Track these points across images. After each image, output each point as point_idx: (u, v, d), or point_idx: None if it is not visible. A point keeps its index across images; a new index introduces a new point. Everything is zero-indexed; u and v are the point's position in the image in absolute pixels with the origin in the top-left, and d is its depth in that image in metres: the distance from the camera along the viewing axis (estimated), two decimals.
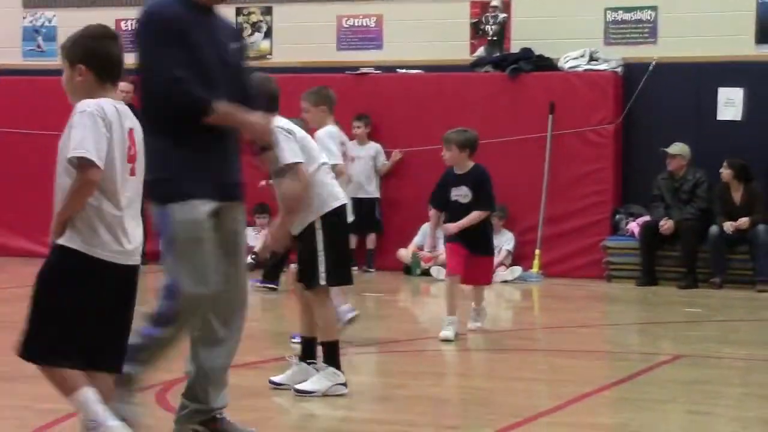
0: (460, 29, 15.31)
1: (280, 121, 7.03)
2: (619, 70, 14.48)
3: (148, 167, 5.13)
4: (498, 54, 15.04)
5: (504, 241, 14.28)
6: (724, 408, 7.28)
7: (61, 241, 4.93)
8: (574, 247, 14.30)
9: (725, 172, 13.57)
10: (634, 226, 14.00)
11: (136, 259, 5.05)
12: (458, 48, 15.24)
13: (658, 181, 13.91)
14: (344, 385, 7.09)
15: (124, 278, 5.01)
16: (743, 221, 13.32)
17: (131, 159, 5.00)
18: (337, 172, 8.40)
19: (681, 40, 14.43)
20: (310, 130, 8.56)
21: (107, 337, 5.02)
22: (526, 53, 14.74)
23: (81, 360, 4.97)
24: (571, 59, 14.55)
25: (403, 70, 15.15)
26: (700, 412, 7.07)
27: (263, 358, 8.36)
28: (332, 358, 7.10)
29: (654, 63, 14.39)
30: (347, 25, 15.75)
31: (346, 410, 6.91)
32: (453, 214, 9.64)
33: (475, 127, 14.75)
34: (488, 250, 9.87)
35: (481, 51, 15.22)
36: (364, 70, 15.06)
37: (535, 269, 14.24)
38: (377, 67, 15.20)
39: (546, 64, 14.65)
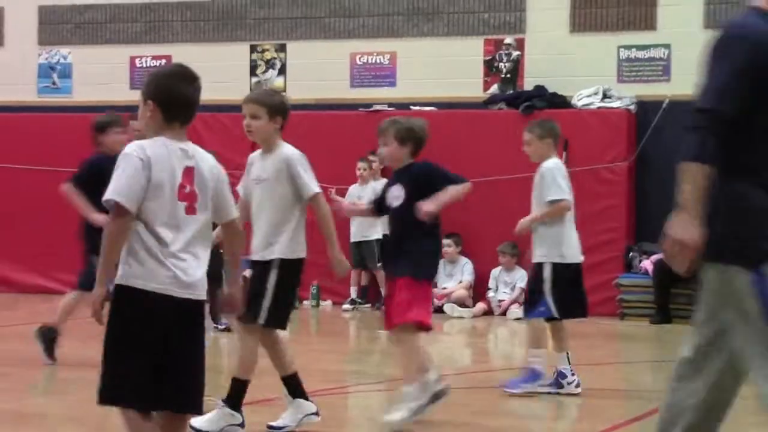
0: (473, 67, 15.36)
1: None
2: (632, 107, 14.51)
3: (721, 215, 4.31)
4: (511, 91, 15.08)
5: (517, 278, 14.30)
6: None
7: (115, 281, 4.90)
8: (588, 285, 14.06)
9: None
10: (647, 263, 13.99)
11: (196, 294, 4.93)
12: (472, 85, 15.30)
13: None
14: (241, 425, 6.91)
15: (181, 310, 4.89)
16: None
17: (186, 197, 4.94)
18: (563, 207, 8.39)
19: (694, 78, 14.41)
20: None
21: (170, 372, 4.89)
22: (540, 91, 14.79)
23: (142, 399, 4.89)
24: (584, 97, 14.59)
25: (417, 108, 15.20)
26: None
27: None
28: (235, 396, 6.93)
29: (667, 101, 14.42)
30: (361, 63, 15.82)
31: None
32: (389, 222, 7.69)
33: (488, 164, 14.92)
34: (399, 269, 7.25)
35: (494, 88, 15.27)
36: (378, 107, 15.12)
37: None
38: (390, 104, 15.25)
39: (559, 102, 14.68)
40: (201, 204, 4.97)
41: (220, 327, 12.15)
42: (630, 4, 14.84)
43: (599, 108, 14.45)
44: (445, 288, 14.51)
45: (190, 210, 4.93)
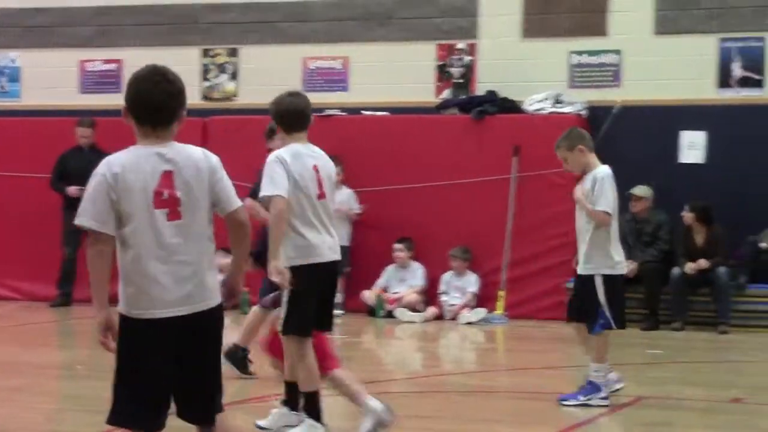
0: (426, 72, 15.39)
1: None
2: (583, 112, 14.58)
3: None
4: (463, 96, 15.12)
5: (468, 283, 14.33)
6: None
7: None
8: (538, 289, 14.33)
9: (687, 215, 13.66)
10: None
11: (191, 309, 4.78)
12: (424, 90, 15.32)
13: (621, 223, 13.96)
14: None
15: (178, 327, 4.77)
16: (702, 262, 13.40)
17: (164, 204, 4.75)
18: (605, 220, 8.37)
19: (644, 84, 14.56)
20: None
21: (181, 388, 4.83)
22: (492, 96, 14.84)
23: (145, 424, 4.81)
24: (535, 102, 14.64)
25: (369, 112, 15.21)
26: None
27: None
28: (311, 408, 6.94)
29: (618, 106, 14.51)
30: (313, 67, 15.81)
31: None
32: None
33: (440, 169, 14.94)
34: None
35: (446, 93, 15.30)
36: (330, 112, 15.10)
37: (498, 311, 14.26)
38: (343, 109, 15.24)
39: (511, 107, 14.74)
40: (187, 206, 4.78)
41: None
42: (581, 10, 14.92)
43: (550, 113, 14.50)
44: (396, 293, 14.51)
45: (173, 215, 4.75)
